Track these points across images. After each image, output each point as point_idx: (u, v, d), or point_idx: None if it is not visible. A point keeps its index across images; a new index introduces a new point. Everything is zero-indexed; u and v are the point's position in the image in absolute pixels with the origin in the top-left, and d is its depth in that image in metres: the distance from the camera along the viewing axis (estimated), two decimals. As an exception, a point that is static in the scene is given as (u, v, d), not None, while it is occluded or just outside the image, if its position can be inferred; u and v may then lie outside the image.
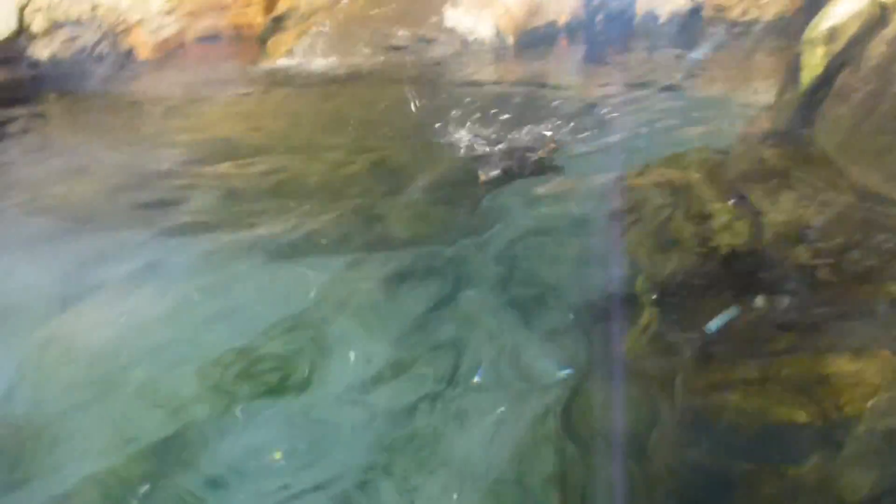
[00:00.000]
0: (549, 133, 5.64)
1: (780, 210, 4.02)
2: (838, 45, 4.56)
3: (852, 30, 4.49)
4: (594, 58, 8.25)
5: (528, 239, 4.44)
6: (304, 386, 3.33)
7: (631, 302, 3.71)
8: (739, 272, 3.67)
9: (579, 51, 8.53)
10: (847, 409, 2.73)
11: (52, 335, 3.77)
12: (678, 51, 8.16)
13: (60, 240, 4.65)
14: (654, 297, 3.65)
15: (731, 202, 4.16)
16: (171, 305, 3.89)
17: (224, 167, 5.43)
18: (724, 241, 3.86)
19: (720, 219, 4.08)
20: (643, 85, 6.97)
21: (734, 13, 8.56)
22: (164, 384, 3.38)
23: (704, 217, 4.12)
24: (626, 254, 4.12)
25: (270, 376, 3.35)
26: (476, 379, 3.34)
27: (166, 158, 5.70)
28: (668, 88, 6.88)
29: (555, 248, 4.40)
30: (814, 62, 4.70)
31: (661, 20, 8.72)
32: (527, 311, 3.80)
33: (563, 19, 8.74)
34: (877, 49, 4.26)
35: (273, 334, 3.57)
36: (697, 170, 4.66)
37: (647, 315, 3.52)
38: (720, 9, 8.61)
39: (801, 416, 2.77)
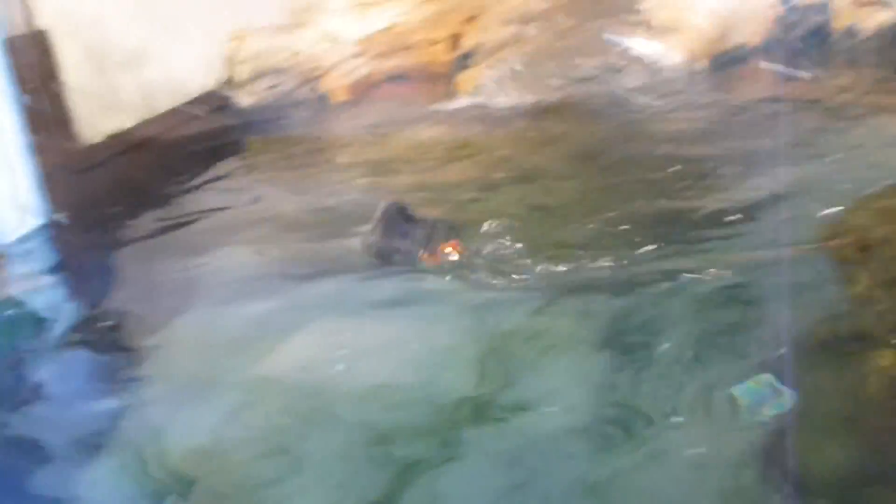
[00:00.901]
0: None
1: None
2: None
3: None
4: (789, 79, 7.92)
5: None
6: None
7: (861, 343, 3.49)
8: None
9: (773, 72, 8.22)
10: None
11: (267, 372, 3.92)
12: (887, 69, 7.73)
13: (270, 277, 4.87)
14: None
15: None
16: (390, 344, 3.98)
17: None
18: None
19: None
20: (848, 108, 6.63)
21: (947, 24, 8.01)
22: (379, 425, 3.44)
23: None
24: (851, 292, 3.89)
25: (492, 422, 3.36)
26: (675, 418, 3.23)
27: (364, 201, 5.86)
28: (877, 112, 6.50)
29: (765, 282, 4.20)
30: None
31: (864, 35, 8.26)
32: (732, 345, 3.64)
33: (755, 40, 8.45)
34: None
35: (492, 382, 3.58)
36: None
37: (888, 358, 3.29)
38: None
39: None
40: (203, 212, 6.10)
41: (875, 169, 5.17)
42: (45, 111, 5.42)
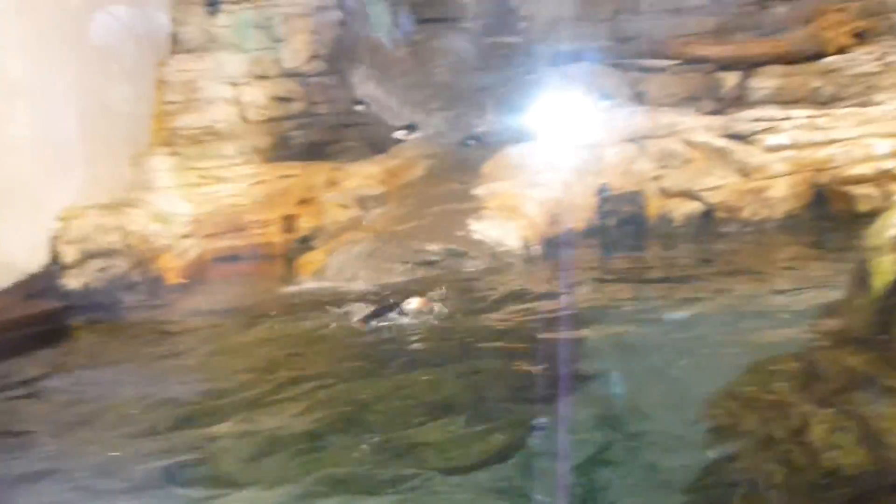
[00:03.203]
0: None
1: (886, 420, 4.00)
2: (908, 252, 4.72)
3: (920, 238, 4.66)
4: (610, 261, 8.48)
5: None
6: None
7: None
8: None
9: (596, 256, 8.76)
10: None
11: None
12: (696, 249, 8.44)
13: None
14: None
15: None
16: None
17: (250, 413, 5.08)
18: (839, 461, 3.78)
19: (821, 434, 4.02)
20: (672, 290, 7.07)
21: (745, 213, 8.91)
22: None
23: (803, 433, 4.06)
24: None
25: None
26: None
27: (192, 400, 5.43)
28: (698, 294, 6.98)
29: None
30: (884, 269, 4.83)
31: (676, 223, 9.03)
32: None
33: (580, 226, 9.02)
34: (956, 258, 4.40)
35: None
36: (784, 381, 4.67)
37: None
38: (731, 209, 8.95)
39: None
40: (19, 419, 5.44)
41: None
42: None
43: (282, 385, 5.42)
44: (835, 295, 5.98)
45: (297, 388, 5.33)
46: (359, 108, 12.59)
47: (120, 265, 7.71)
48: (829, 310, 5.93)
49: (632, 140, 9.83)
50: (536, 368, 5.37)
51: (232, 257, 9.45)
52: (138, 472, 4.34)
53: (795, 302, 6.43)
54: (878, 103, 9.43)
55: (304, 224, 9.14)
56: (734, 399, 4.68)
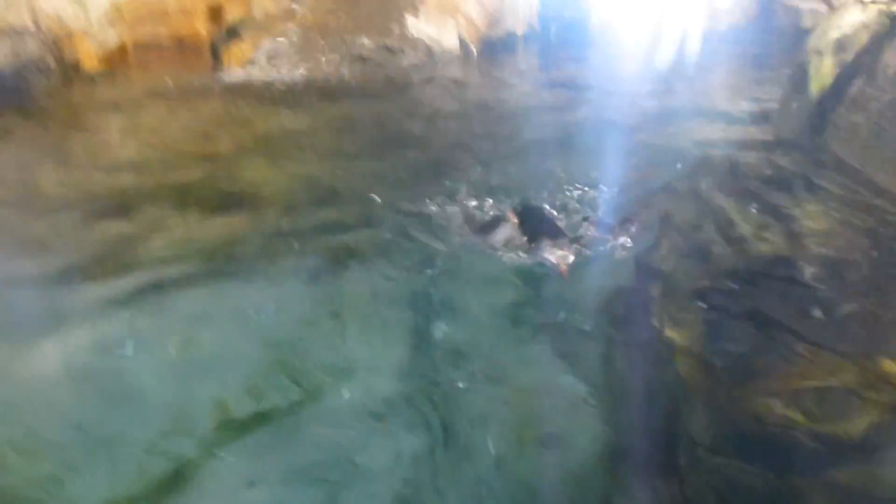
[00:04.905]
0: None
1: (811, 217, 4.02)
2: (848, 55, 4.61)
3: (862, 40, 4.55)
4: (551, 67, 8.23)
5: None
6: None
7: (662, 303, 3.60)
8: (780, 277, 3.61)
9: (537, 60, 8.52)
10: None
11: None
12: (638, 59, 8.25)
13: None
14: (695, 301, 3.54)
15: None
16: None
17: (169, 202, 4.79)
18: (761, 249, 3.81)
19: (748, 227, 4.03)
20: (613, 94, 6.94)
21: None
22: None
23: (732, 225, 4.07)
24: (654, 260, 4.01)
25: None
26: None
27: (116, 186, 5.18)
28: (643, 96, 6.88)
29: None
30: (823, 72, 4.75)
31: (620, 31, 8.79)
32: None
33: (520, 30, 8.71)
34: (893, 59, 4.32)
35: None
36: (710, 178, 4.64)
37: (692, 319, 3.41)
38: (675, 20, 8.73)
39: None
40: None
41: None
42: None
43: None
44: (770, 102, 5.99)
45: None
46: None
47: (31, 48, 7.19)
48: (763, 115, 5.93)
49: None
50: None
51: (155, 46, 8.98)
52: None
53: (731, 107, 6.40)
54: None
55: (232, 14, 8.63)
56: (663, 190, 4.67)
